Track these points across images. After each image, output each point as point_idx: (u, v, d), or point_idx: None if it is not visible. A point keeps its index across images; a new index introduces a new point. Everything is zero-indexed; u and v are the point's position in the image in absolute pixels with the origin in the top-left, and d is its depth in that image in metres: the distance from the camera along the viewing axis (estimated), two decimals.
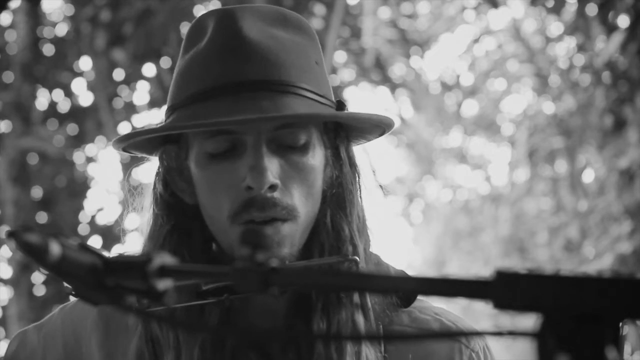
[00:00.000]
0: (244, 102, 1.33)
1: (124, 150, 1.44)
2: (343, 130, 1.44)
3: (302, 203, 1.35)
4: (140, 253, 1.31)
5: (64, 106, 8.38)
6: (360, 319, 1.38)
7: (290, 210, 1.34)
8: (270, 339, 1.38)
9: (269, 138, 1.34)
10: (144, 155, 1.47)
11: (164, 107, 1.43)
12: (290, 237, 1.34)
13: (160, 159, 1.44)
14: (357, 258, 1.37)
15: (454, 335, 1.42)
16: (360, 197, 1.44)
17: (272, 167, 1.33)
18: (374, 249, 1.44)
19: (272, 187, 1.32)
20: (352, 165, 1.44)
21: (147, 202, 1.46)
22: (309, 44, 1.42)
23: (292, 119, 1.34)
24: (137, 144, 1.43)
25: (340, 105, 1.42)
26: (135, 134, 1.40)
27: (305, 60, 1.39)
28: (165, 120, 1.41)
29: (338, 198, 1.41)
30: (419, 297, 1.46)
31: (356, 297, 1.38)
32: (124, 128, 8.05)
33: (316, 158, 1.38)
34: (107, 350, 1.43)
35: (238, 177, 1.33)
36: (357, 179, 1.44)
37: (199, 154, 1.37)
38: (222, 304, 1.35)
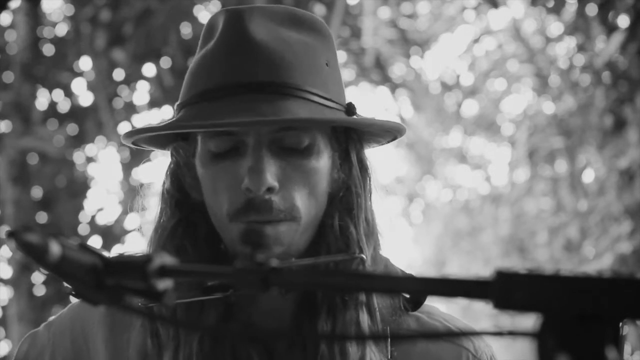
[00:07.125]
0: (245, 104, 1.33)
1: (135, 144, 1.45)
2: (355, 133, 1.43)
3: (303, 205, 1.35)
4: (140, 253, 1.31)
5: (64, 106, 8.36)
6: (365, 320, 1.38)
7: (289, 213, 1.34)
8: (274, 339, 1.39)
9: (271, 140, 1.34)
10: (156, 149, 1.48)
11: (164, 107, 1.44)
12: (288, 235, 1.34)
13: (171, 155, 1.46)
14: (364, 256, 1.37)
15: (456, 335, 1.42)
16: (370, 200, 1.44)
17: (272, 169, 1.32)
18: (383, 252, 1.44)
19: (270, 190, 1.32)
20: (362, 168, 1.43)
21: (155, 198, 1.47)
22: (321, 45, 1.42)
23: (288, 123, 1.33)
24: (148, 139, 1.45)
25: (351, 108, 1.42)
26: (140, 130, 1.41)
27: (314, 62, 1.39)
28: (175, 116, 1.42)
29: (346, 201, 1.41)
30: (427, 303, 1.46)
31: (362, 298, 1.38)
32: (124, 128, 8.02)
33: (320, 161, 1.37)
34: (112, 346, 1.44)
35: (237, 178, 1.34)
36: (367, 182, 1.44)
37: (203, 152, 1.39)
38: (227, 300, 1.35)
